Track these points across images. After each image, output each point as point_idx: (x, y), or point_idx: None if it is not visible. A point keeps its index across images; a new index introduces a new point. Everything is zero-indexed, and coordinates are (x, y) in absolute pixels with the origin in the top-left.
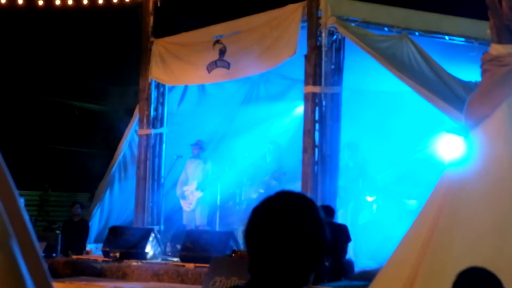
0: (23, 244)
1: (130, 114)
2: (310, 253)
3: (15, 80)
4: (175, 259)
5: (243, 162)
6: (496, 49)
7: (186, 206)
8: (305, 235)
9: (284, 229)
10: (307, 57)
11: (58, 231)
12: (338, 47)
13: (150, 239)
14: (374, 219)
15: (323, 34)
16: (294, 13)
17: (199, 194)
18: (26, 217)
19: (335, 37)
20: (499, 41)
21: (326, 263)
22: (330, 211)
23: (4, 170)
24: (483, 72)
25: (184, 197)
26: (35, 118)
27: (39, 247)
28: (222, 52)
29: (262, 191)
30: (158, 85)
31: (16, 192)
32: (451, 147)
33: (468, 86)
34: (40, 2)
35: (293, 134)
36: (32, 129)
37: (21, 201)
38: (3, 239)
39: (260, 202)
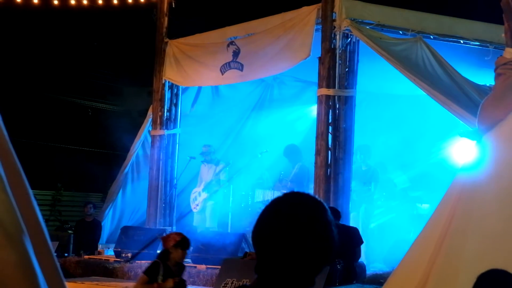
0: (35, 241)
1: (143, 114)
2: (316, 254)
3: (29, 79)
4: (187, 260)
5: (256, 164)
6: (511, 52)
7: (193, 207)
8: (311, 236)
9: (290, 229)
10: (321, 60)
11: (70, 231)
12: (352, 50)
13: None
14: (386, 222)
15: (338, 37)
16: (309, 15)
17: (205, 195)
18: (39, 213)
19: (349, 39)
20: None
21: (338, 266)
22: (335, 213)
23: (18, 167)
24: (497, 76)
25: (192, 199)
26: (49, 117)
27: (51, 244)
28: (236, 53)
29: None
30: (171, 86)
31: (29, 189)
32: (465, 151)
33: (483, 90)
34: (56, 2)
35: (306, 136)
36: (46, 129)
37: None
38: (16, 236)
39: (268, 203)
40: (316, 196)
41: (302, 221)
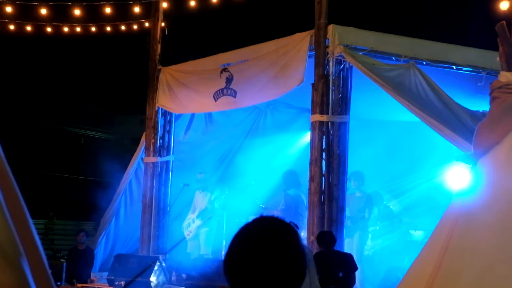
0: (33, 264)
1: (136, 142)
2: (287, 279)
3: (21, 107)
4: None
5: (250, 191)
6: (506, 76)
7: (186, 234)
8: (281, 261)
9: (260, 255)
10: (314, 86)
11: (63, 260)
12: (345, 76)
13: (156, 267)
14: (380, 248)
15: (331, 63)
16: (302, 41)
17: (198, 222)
18: (36, 236)
19: (342, 65)
20: (509, 69)
21: None
22: (331, 238)
23: (15, 188)
24: (492, 100)
25: (186, 226)
26: (41, 145)
27: (48, 267)
28: (229, 80)
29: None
30: (165, 113)
31: (26, 211)
32: (460, 176)
33: (476, 116)
34: (49, 29)
35: (296, 162)
36: (38, 157)
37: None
38: (15, 258)
39: (238, 230)
40: (285, 220)
41: (269, 246)
